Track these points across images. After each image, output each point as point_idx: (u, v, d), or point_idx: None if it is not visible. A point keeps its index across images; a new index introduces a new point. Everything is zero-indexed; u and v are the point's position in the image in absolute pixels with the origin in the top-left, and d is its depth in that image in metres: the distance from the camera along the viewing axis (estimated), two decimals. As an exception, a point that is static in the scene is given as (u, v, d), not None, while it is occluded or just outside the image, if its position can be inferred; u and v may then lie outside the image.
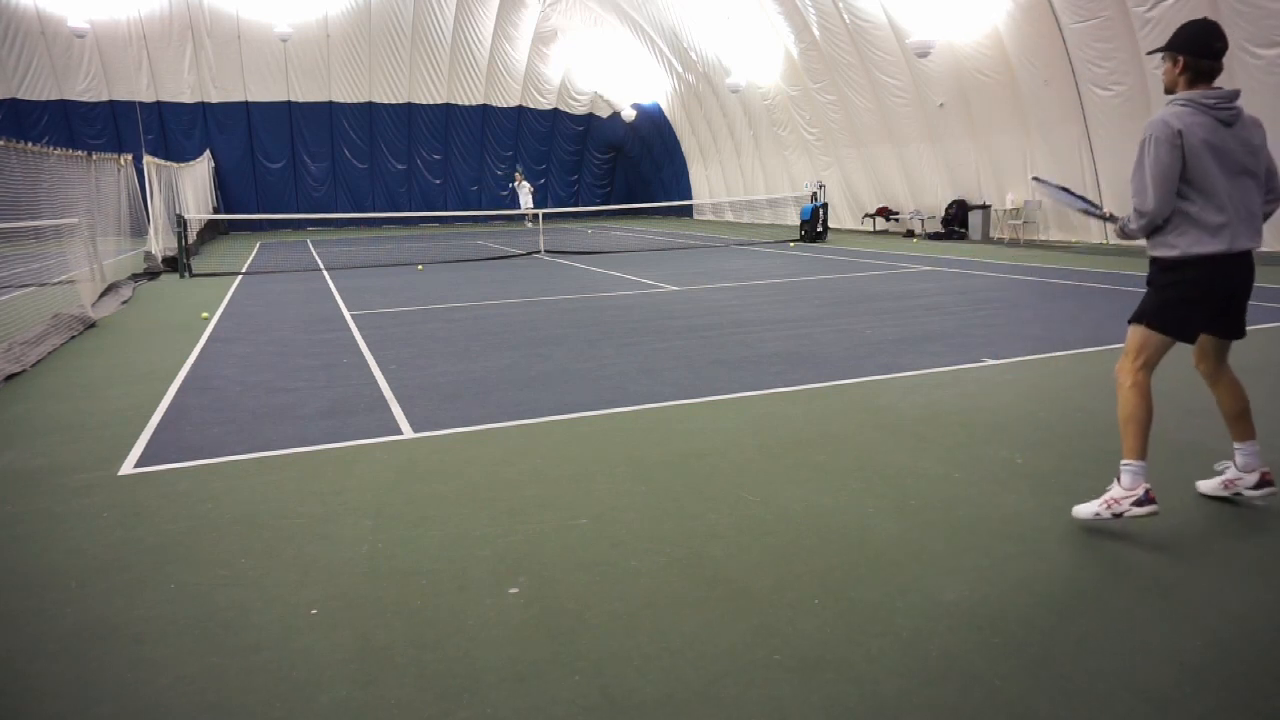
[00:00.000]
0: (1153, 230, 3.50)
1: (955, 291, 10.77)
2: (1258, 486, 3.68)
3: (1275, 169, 3.57)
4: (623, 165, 36.15)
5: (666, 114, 32.03)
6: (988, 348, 7.16)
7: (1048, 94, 16.76)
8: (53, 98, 26.82)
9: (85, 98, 27.20)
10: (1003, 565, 3.23)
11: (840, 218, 23.55)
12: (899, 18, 18.87)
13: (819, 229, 20.31)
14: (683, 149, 32.48)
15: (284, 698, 2.49)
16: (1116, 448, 4.55)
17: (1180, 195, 3.41)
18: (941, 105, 19.27)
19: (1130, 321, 3.62)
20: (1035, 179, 4.43)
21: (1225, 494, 3.79)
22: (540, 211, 24.83)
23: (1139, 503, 3.42)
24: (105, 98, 27.41)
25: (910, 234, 20.95)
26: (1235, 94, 3.47)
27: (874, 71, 20.55)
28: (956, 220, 19.70)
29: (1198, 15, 14.08)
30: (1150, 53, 3.90)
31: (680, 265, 15.10)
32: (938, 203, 20.51)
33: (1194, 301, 3.48)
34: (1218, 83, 3.49)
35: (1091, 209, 3.94)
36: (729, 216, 30.34)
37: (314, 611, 2.99)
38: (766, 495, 4.00)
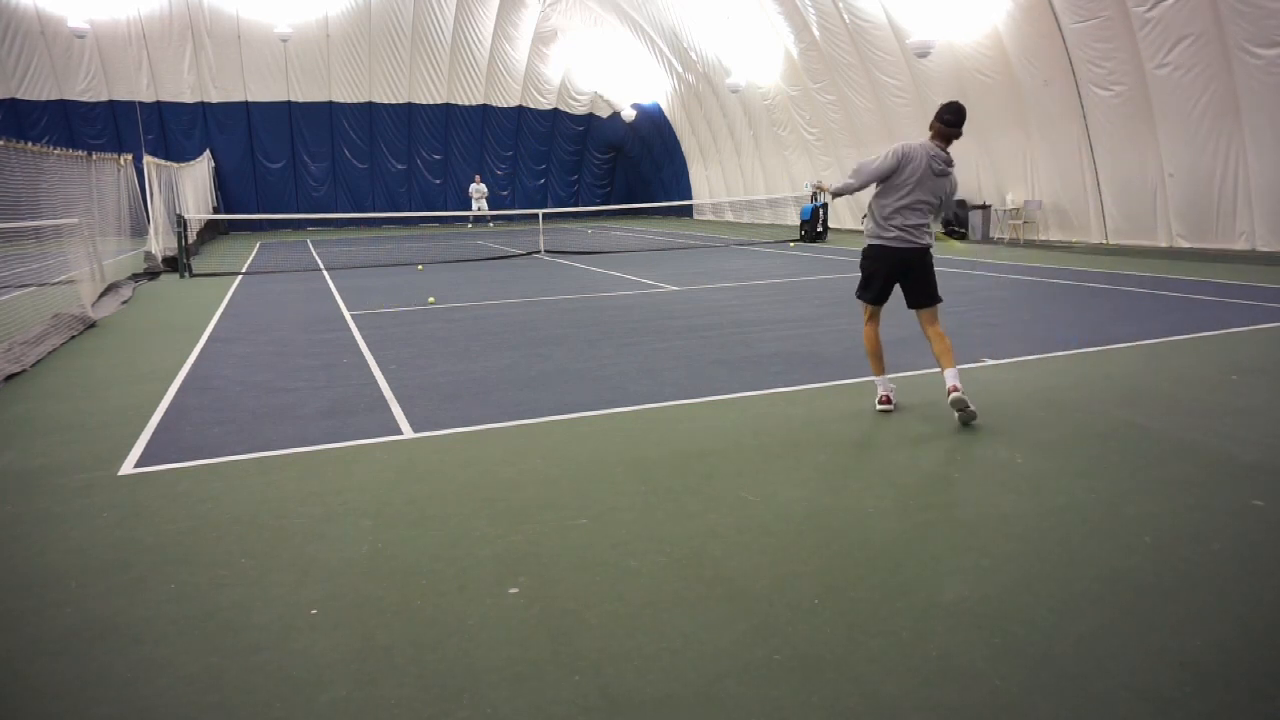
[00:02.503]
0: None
1: (955, 291, 10.76)
2: (948, 394, 5.01)
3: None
4: (623, 165, 36.16)
5: (666, 114, 32.04)
6: (987, 348, 7.16)
7: (1048, 94, 16.76)
8: (53, 98, 26.81)
9: (85, 98, 27.19)
10: (1003, 565, 3.23)
11: (840, 218, 23.55)
12: (899, 18, 18.88)
13: (819, 229, 20.32)
14: (683, 149, 32.49)
15: (284, 698, 2.49)
16: (1117, 445, 4.57)
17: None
18: (942, 105, 19.24)
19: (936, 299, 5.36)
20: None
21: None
22: (487, 214, 25.44)
23: (881, 402, 5.39)
24: (105, 98, 27.41)
25: (910, 234, 20.92)
26: (949, 157, 5.21)
27: (874, 71, 20.55)
28: (956, 220, 19.69)
29: (1198, 16, 14.13)
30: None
31: (680, 265, 15.10)
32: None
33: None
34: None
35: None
36: (729, 216, 30.35)
37: (314, 611, 2.99)
38: (766, 495, 4.00)
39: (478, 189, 28.84)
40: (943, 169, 5.18)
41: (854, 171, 5.38)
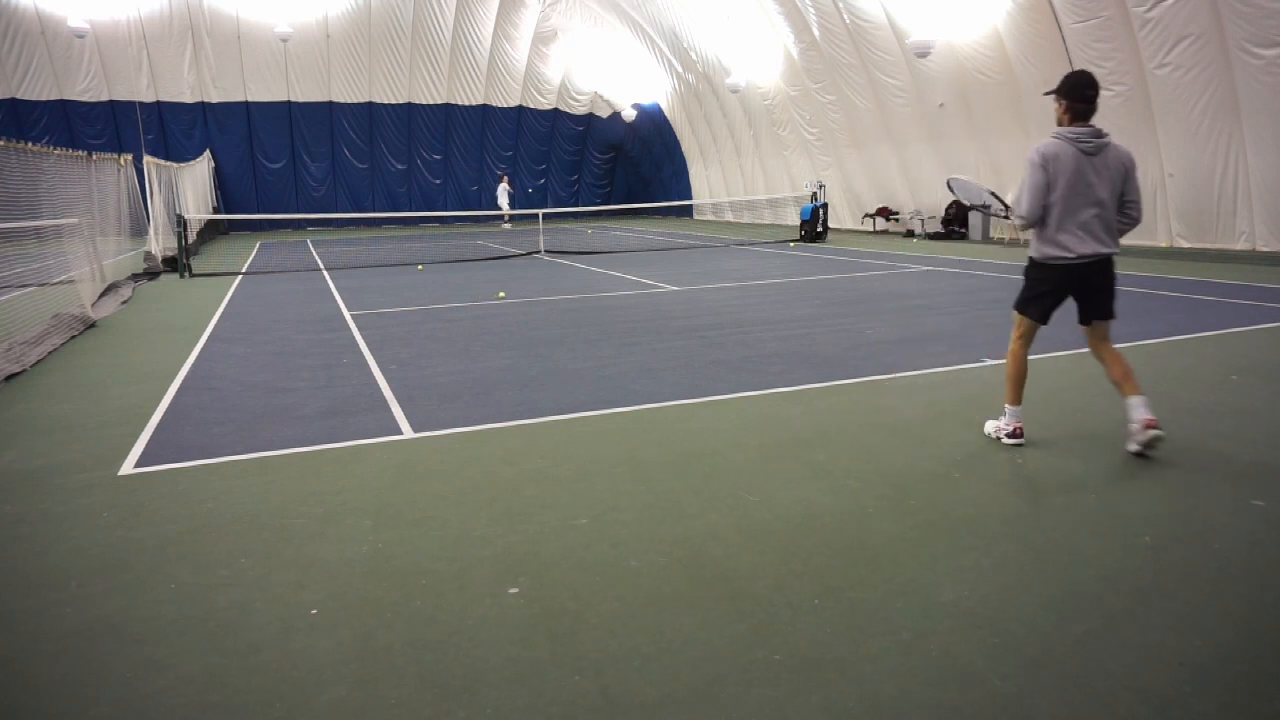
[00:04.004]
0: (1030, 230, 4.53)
1: (955, 291, 10.77)
2: (1144, 429, 4.30)
3: (1136, 197, 4.46)
4: (623, 165, 36.16)
5: (666, 114, 32.03)
6: (988, 348, 7.16)
7: (1048, 94, 16.75)
8: (53, 98, 26.80)
9: (85, 98, 27.18)
10: (1003, 565, 3.23)
11: (840, 218, 23.55)
12: (899, 18, 18.87)
13: (819, 229, 20.31)
14: (683, 149, 32.49)
15: (284, 698, 2.49)
16: (1117, 445, 4.57)
17: (1045, 209, 4.37)
18: (941, 105, 19.27)
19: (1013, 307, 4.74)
20: (949, 184, 5.40)
21: (1137, 447, 4.36)
22: (513, 213, 25.74)
23: (1011, 434, 4.66)
24: (105, 98, 27.39)
25: (910, 234, 20.95)
26: (1101, 132, 4.33)
27: (874, 71, 20.55)
28: (956, 220, 19.71)
29: (1197, 16, 14.11)
30: (1045, 94, 4.71)
31: (680, 265, 15.10)
32: (938, 203, 20.51)
33: (1045, 295, 4.55)
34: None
35: (990, 211, 4.99)
36: (729, 216, 30.35)
37: (314, 611, 2.99)
38: (766, 495, 4.00)
39: (504, 189, 29.05)
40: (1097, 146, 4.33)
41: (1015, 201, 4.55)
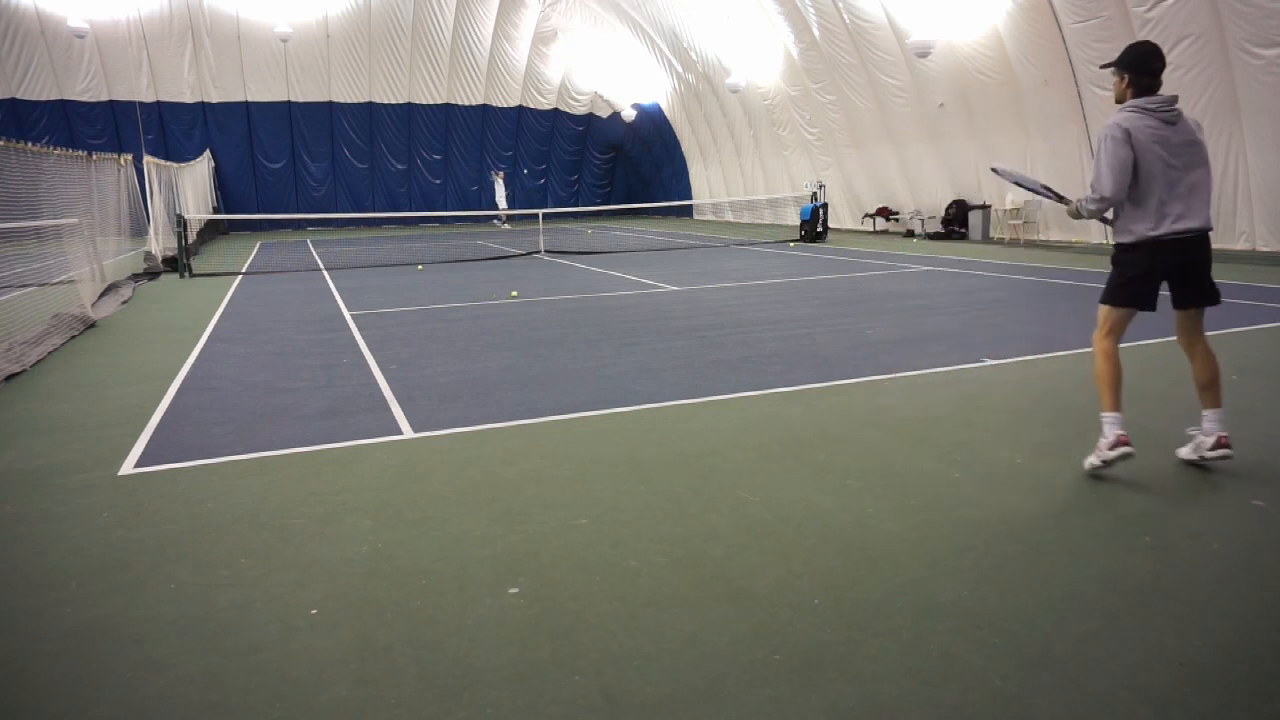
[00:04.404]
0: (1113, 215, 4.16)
1: (955, 291, 10.77)
2: (1214, 449, 4.15)
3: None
4: (623, 165, 36.16)
5: (666, 114, 32.03)
6: (988, 348, 7.16)
7: (1048, 94, 16.76)
8: (53, 98, 26.81)
9: (85, 98, 27.20)
10: (1003, 565, 3.23)
11: (840, 218, 23.55)
12: (899, 18, 18.87)
13: (819, 229, 20.31)
14: (683, 149, 32.50)
15: (284, 698, 2.49)
16: (1116, 448, 4.56)
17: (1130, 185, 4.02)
18: (941, 105, 19.26)
19: (1100, 301, 4.30)
20: (994, 170, 5.02)
21: (1194, 457, 4.24)
22: (512, 212, 25.68)
23: (1112, 446, 4.07)
24: (105, 98, 27.41)
25: (910, 234, 20.95)
26: (1175, 99, 4.06)
27: (874, 71, 20.55)
28: (956, 220, 19.70)
29: (1197, 16, 14.08)
30: (1103, 67, 4.39)
31: (680, 265, 15.10)
32: (937, 203, 20.51)
33: (1142, 276, 4.12)
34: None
35: (1045, 193, 4.55)
36: (729, 216, 30.35)
37: (314, 611, 2.99)
38: (766, 495, 4.00)
39: (501, 187, 29.14)
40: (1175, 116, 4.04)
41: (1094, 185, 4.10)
